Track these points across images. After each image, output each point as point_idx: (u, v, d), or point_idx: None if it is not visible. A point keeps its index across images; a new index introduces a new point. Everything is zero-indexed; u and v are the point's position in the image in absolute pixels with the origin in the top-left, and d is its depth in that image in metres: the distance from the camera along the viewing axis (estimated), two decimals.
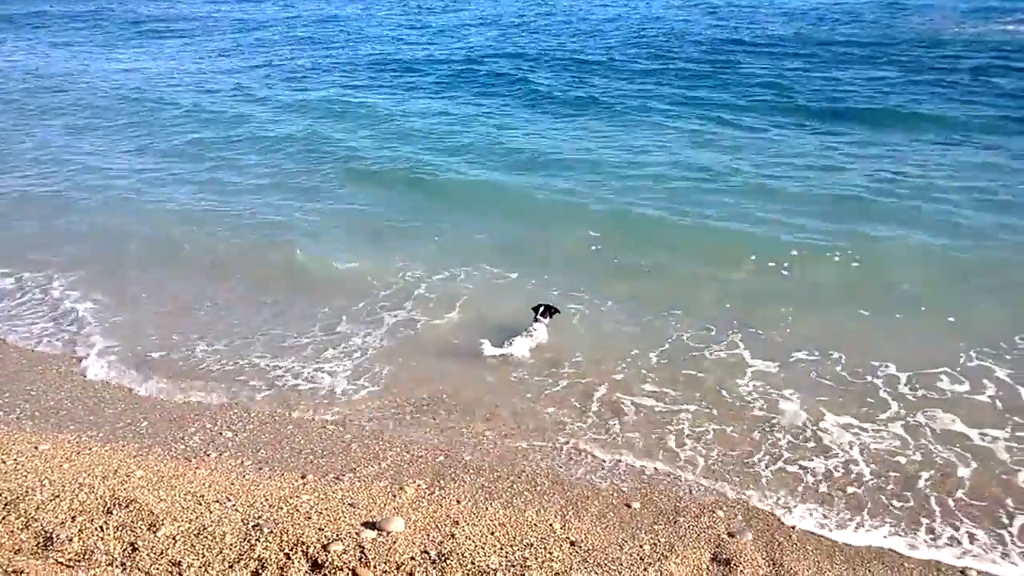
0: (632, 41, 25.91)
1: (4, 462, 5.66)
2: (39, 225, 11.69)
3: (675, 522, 5.44)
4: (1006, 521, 5.50)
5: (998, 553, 5.20)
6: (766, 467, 6.10)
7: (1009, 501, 5.67)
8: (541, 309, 7.92)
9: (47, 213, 12.17)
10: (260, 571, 4.51)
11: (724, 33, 25.82)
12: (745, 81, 19.36)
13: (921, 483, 5.87)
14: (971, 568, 5.07)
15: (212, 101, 19.57)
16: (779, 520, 5.52)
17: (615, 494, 5.80)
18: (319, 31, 31.79)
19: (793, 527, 5.43)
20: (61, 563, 4.52)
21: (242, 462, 6.11)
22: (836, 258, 9.63)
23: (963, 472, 5.97)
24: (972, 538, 5.33)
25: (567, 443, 6.45)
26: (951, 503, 5.67)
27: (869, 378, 7.21)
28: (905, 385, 7.05)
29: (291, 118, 17.76)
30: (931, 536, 5.36)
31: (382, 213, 11.93)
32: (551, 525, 5.30)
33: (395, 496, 5.61)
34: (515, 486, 5.86)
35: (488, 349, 7.45)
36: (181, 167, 14.59)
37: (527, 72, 21.47)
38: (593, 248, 10.34)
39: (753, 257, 9.72)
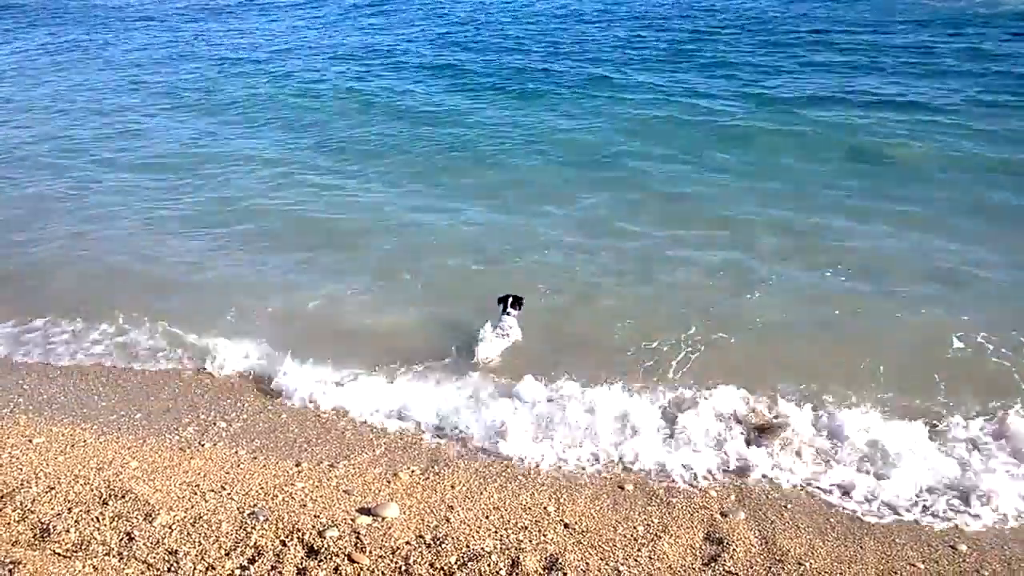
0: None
1: None
2: None
3: (668, 503, 5.48)
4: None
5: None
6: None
7: None
8: (509, 301, 7.58)
9: None
10: (256, 559, 4.55)
11: (681, 21, 24.62)
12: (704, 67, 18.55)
13: None
14: (960, 541, 5.14)
15: None
16: (770, 496, 5.57)
17: (608, 476, 5.84)
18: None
19: (786, 505, 5.48)
20: (58, 554, 4.55)
21: (236, 451, 6.12)
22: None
23: None
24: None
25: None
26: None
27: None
28: None
29: None
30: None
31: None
32: (545, 508, 5.34)
33: (389, 482, 5.64)
34: (509, 470, 5.89)
35: (479, 355, 7.22)
36: None
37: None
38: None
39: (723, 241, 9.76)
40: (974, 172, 11.59)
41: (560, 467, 5.91)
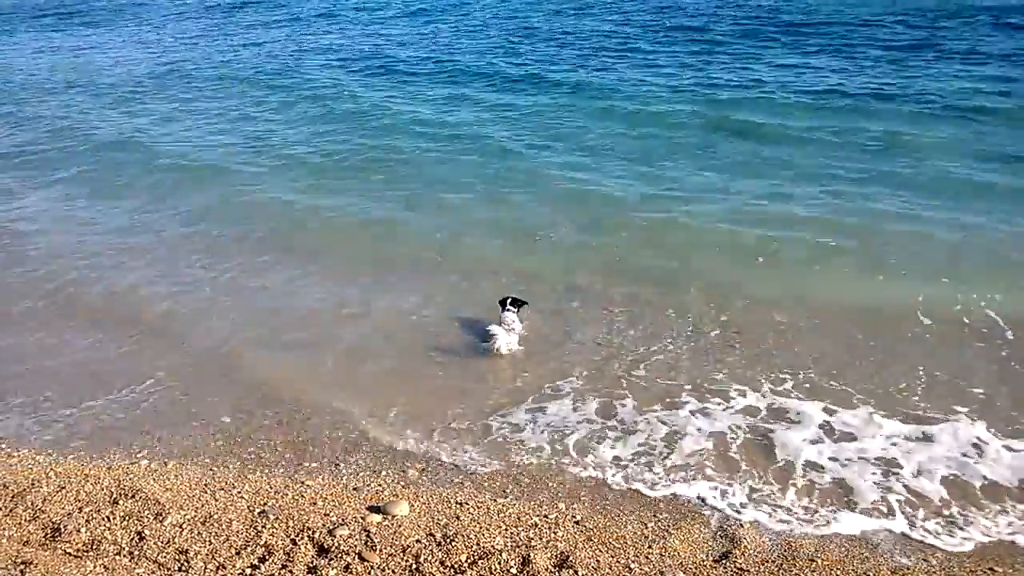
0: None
1: (10, 456, 5.70)
2: None
3: (678, 499, 5.46)
4: None
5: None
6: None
7: None
8: (509, 300, 7.70)
9: None
10: (267, 557, 4.55)
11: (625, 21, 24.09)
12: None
13: None
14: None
15: None
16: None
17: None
18: None
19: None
20: (69, 553, 4.56)
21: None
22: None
23: None
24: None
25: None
26: None
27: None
28: None
29: None
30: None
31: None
32: (555, 505, 5.33)
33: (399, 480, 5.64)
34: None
35: (494, 346, 7.33)
36: None
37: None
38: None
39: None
40: (971, 157, 11.74)
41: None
